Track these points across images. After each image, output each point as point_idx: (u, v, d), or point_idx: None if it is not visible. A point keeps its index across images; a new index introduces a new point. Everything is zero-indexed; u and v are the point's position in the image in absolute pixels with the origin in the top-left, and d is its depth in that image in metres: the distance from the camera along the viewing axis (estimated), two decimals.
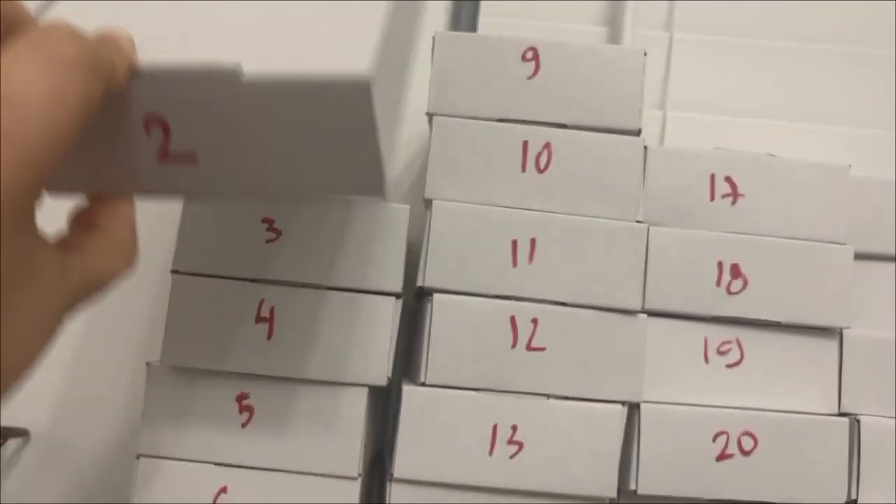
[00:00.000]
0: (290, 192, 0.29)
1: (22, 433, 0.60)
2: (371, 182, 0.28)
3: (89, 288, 0.27)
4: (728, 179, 0.47)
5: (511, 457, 0.42)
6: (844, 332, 0.47)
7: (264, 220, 0.43)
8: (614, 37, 0.69)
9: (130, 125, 0.27)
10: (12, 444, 0.60)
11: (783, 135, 0.69)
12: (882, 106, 0.68)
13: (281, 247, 0.43)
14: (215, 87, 0.26)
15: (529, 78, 0.45)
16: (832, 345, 0.46)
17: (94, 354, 0.59)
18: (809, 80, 0.71)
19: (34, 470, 0.61)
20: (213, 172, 0.28)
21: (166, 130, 0.27)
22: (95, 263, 0.27)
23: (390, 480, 0.42)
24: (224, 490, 0.42)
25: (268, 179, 0.28)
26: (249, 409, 0.43)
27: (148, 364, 0.43)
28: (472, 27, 0.65)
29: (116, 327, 0.58)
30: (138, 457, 0.42)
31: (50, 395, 0.60)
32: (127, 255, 0.29)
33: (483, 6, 0.67)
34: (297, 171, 0.28)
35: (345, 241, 0.44)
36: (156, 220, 0.60)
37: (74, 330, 0.59)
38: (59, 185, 0.28)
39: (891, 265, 0.49)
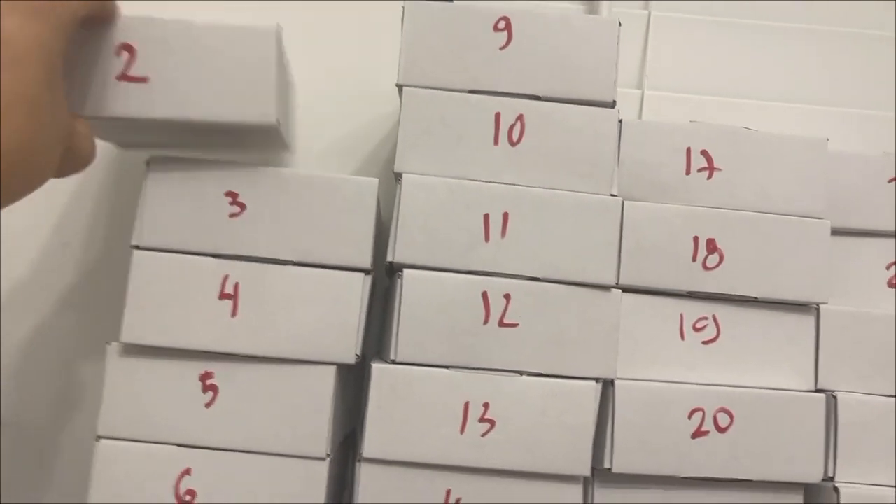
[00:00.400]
0: (207, 118, 0.40)
1: None
2: (266, 112, 0.40)
3: (72, 162, 0.38)
4: (704, 153, 0.46)
5: (483, 435, 0.41)
6: (822, 307, 0.46)
7: (228, 194, 0.42)
8: (591, 13, 0.68)
9: (107, 48, 0.39)
10: None
11: (761, 112, 0.68)
12: (859, 83, 0.67)
13: (246, 221, 0.42)
14: (177, 28, 0.39)
15: (502, 48, 0.44)
16: (809, 320, 0.46)
17: (58, 336, 0.57)
18: (787, 58, 0.71)
19: (3, 454, 0.59)
20: (157, 94, 0.39)
21: (132, 55, 0.39)
22: (80, 143, 0.37)
23: (359, 460, 0.41)
24: (188, 472, 0.41)
25: (195, 105, 0.40)
26: (213, 389, 0.41)
27: (108, 343, 0.42)
28: None
29: (80, 307, 0.57)
30: (98, 439, 0.41)
31: (17, 381, 0.58)
32: (93, 149, 0.39)
33: None
34: (215, 99, 0.40)
35: (312, 216, 0.42)
36: (115, 195, 0.58)
37: (38, 314, 0.58)
38: None
39: (868, 240, 0.48)
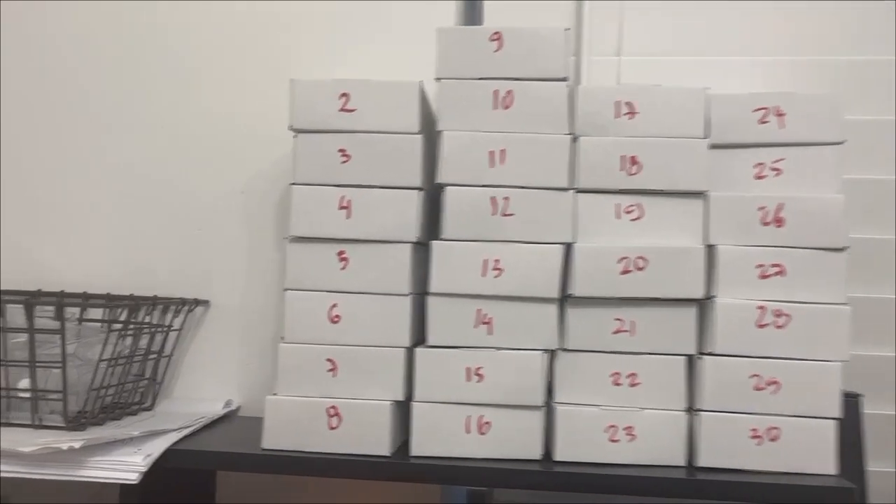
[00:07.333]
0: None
1: (204, 302, 0.94)
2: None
3: None
4: (628, 103, 0.74)
5: (495, 277, 0.72)
6: (710, 193, 0.74)
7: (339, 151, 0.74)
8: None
9: None
10: (198, 311, 0.94)
11: (704, 68, 0.95)
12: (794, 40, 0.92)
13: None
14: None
15: (496, 51, 0.74)
16: (699, 203, 0.74)
17: (254, 238, 0.92)
18: (730, 25, 0.97)
19: (213, 330, 0.95)
20: None
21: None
22: None
23: (428, 294, 0.73)
24: (335, 306, 0.74)
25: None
26: (346, 259, 0.74)
27: (285, 239, 0.75)
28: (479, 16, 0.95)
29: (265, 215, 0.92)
30: (285, 290, 0.75)
31: (222, 272, 0.93)
32: None
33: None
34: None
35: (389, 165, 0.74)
36: None
37: (239, 223, 0.93)
38: None
39: (740, 150, 0.75)
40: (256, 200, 0.94)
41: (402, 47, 0.90)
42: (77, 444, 0.65)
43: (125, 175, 0.96)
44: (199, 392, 0.94)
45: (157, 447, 0.71)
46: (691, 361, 0.73)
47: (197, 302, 0.92)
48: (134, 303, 0.80)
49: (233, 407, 0.92)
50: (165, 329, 0.88)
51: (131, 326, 0.81)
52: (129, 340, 0.81)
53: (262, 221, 0.94)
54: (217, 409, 0.89)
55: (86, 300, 0.90)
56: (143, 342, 0.85)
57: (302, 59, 0.94)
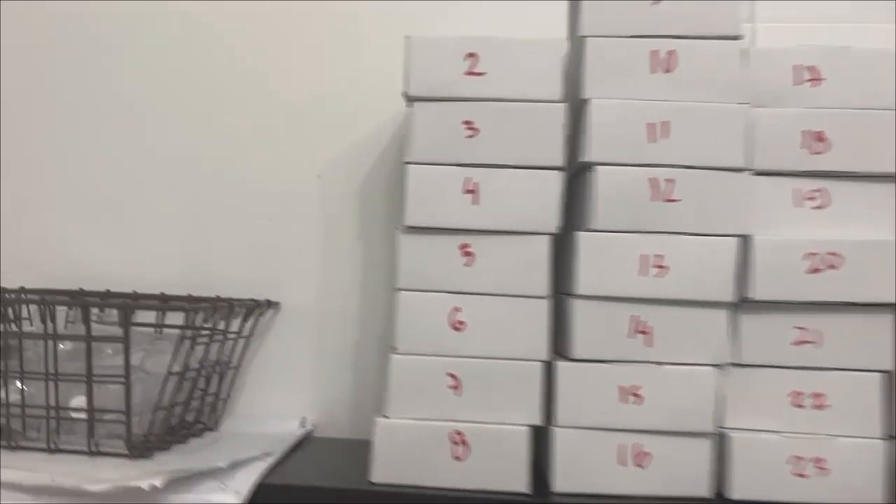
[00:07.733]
0: None
1: (274, 304, 0.81)
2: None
3: None
4: (811, 68, 0.62)
5: (656, 276, 0.60)
6: None
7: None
8: None
9: None
10: (268, 314, 0.81)
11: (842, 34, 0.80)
12: None
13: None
14: None
15: (653, 3, 0.61)
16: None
17: (332, 229, 0.79)
18: None
19: (284, 336, 0.82)
20: None
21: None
22: None
23: (572, 296, 0.61)
24: (458, 309, 0.61)
25: None
26: (471, 254, 0.61)
27: (397, 228, 0.62)
28: None
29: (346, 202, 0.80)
30: (397, 290, 0.62)
31: (294, 273, 0.80)
32: None
33: None
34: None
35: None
36: None
37: (315, 213, 0.80)
38: None
39: None
40: (336, 185, 0.81)
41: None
42: (159, 482, 0.52)
43: (179, 159, 0.83)
44: (266, 408, 0.81)
45: (245, 481, 0.58)
46: (889, 379, 0.61)
47: (269, 304, 0.79)
48: (211, 306, 0.67)
49: (308, 426, 0.79)
50: (235, 336, 0.75)
51: (204, 333, 0.67)
52: (200, 349, 0.68)
53: (343, 210, 0.81)
54: (293, 430, 0.76)
55: (135, 300, 0.77)
56: (213, 351, 0.72)
57: (388, 14, 0.80)
